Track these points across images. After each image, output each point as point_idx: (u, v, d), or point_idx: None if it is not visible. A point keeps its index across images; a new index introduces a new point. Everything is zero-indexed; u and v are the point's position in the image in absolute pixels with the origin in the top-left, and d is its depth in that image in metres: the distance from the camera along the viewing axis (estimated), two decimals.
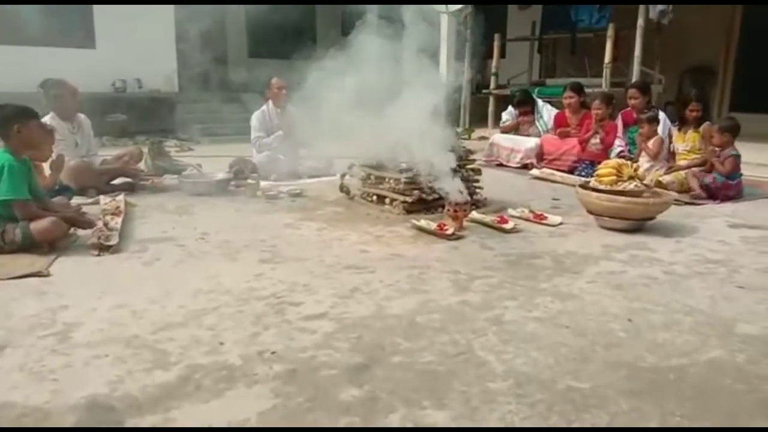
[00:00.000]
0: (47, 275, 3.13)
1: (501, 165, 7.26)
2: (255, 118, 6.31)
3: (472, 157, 5.05)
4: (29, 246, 3.44)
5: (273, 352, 2.27)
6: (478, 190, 4.98)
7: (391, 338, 2.41)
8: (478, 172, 5.04)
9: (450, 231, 3.94)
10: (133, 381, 2.05)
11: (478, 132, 10.46)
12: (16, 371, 2.12)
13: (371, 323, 2.56)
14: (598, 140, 6.49)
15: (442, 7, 11.14)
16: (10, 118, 3.54)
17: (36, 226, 3.45)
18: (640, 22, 8.84)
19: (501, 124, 7.77)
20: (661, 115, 6.19)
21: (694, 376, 2.16)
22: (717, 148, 5.34)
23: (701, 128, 5.66)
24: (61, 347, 2.30)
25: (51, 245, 3.51)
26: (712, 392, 2.05)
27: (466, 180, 4.83)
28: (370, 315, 2.65)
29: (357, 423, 1.83)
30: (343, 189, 5.17)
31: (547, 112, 7.43)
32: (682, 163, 5.75)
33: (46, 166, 4.48)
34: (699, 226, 4.36)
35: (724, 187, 5.22)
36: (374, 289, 2.97)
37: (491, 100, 11.32)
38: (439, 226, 4.01)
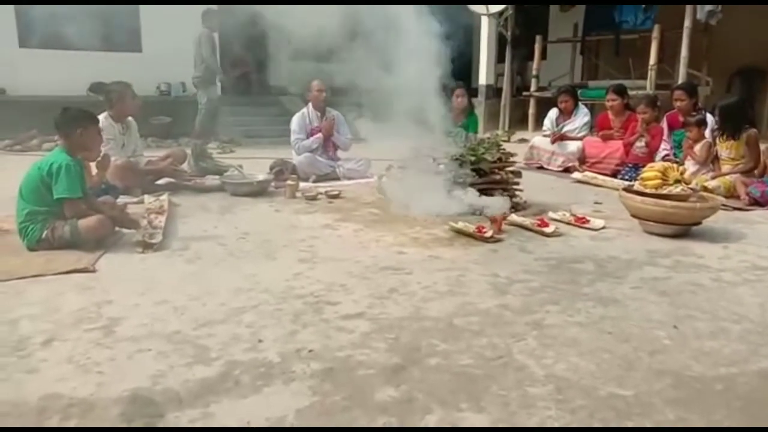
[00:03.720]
0: (93, 271, 3.22)
1: (542, 168, 7.16)
2: (294, 121, 6.38)
3: (512, 159, 5.00)
4: (77, 243, 3.54)
5: (311, 351, 2.28)
6: (517, 193, 4.92)
7: (428, 340, 2.39)
8: (518, 174, 4.98)
9: (488, 233, 3.90)
10: (175, 375, 2.09)
11: (519, 134, 10.34)
12: (64, 363, 2.18)
13: (408, 324, 2.55)
14: (643, 144, 6.34)
15: (482, 9, 11.06)
16: (76, 121, 3.67)
17: (84, 223, 3.55)
18: (687, 23, 8.63)
19: (543, 130, 7.63)
20: (709, 117, 6.00)
21: (744, 386, 2.08)
22: None
23: (745, 135, 5.43)
24: (106, 341, 2.36)
25: (97, 242, 3.61)
26: (763, 403, 1.97)
27: (504, 183, 4.80)
28: (408, 316, 2.64)
29: (393, 423, 1.82)
30: (381, 191, 5.17)
31: (582, 117, 7.25)
32: (725, 168, 5.57)
33: (92, 165, 4.61)
34: (747, 231, 4.21)
35: None
36: (411, 290, 2.96)
37: (532, 102, 11.21)
38: (477, 228, 3.97)
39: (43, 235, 3.51)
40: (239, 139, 9.79)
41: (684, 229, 4.01)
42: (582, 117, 7.22)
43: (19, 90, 9.18)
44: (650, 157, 6.20)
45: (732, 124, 5.46)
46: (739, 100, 5.75)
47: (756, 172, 5.37)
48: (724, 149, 5.58)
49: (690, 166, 5.65)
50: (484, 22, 11.60)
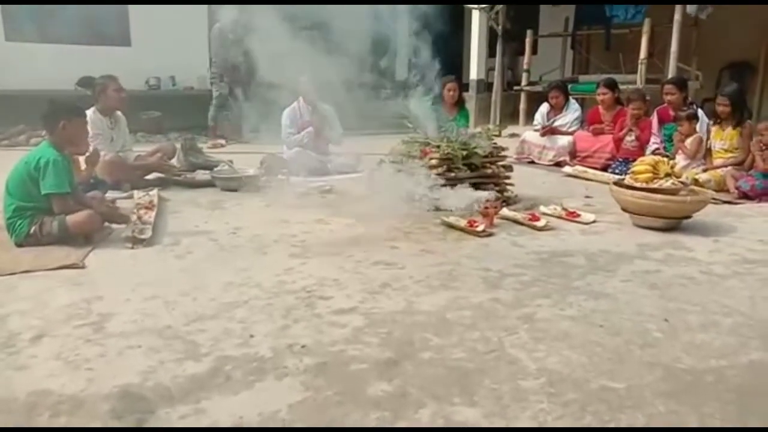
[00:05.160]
0: (82, 267, 3.19)
1: (532, 162, 7.17)
2: (286, 115, 6.34)
3: (503, 153, 5.00)
4: (65, 238, 3.50)
5: (303, 346, 2.27)
6: (509, 187, 4.92)
7: (421, 334, 2.39)
8: (509, 169, 4.98)
9: (480, 228, 3.90)
10: (165, 371, 2.07)
11: (510, 129, 10.34)
12: (53, 360, 2.16)
13: (401, 319, 2.54)
14: (633, 138, 6.37)
15: (473, 4, 11.05)
16: (58, 114, 3.61)
17: (72, 218, 3.52)
18: (677, 17, 8.65)
19: (534, 125, 7.63)
20: (699, 112, 6.04)
21: (734, 378, 2.09)
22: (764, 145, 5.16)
23: (742, 127, 5.48)
24: (96, 337, 2.34)
25: (86, 238, 3.57)
26: (753, 395, 1.98)
27: (495, 177, 4.81)
28: (400, 310, 2.63)
29: (387, 417, 1.82)
30: (372, 185, 5.15)
31: (572, 112, 7.26)
32: (717, 161, 5.60)
33: (81, 160, 4.57)
34: (737, 225, 4.24)
35: (764, 193, 5.05)
36: (404, 284, 2.96)
37: (523, 97, 11.22)
38: (469, 222, 3.97)
39: (31, 231, 3.47)
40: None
41: (674, 222, 4.03)
42: (573, 112, 7.23)
43: (6, 84, 9.06)
44: (641, 150, 6.23)
45: (740, 112, 5.49)
46: (741, 89, 5.79)
47: (745, 165, 5.40)
48: (719, 140, 5.59)
49: (681, 160, 5.67)
50: (475, 16, 11.59)
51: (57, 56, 9.16)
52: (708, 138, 5.81)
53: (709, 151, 5.78)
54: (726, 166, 5.46)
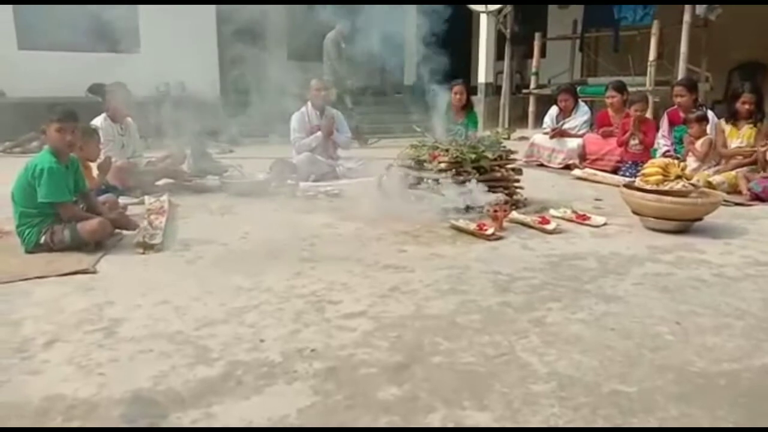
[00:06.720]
0: (94, 272, 3.22)
1: (542, 165, 7.15)
2: (294, 120, 6.37)
3: (512, 156, 4.99)
4: (77, 245, 3.52)
5: (313, 350, 2.27)
6: (518, 190, 4.91)
7: (430, 338, 2.39)
8: (518, 172, 4.97)
9: (490, 231, 3.89)
10: (177, 376, 2.08)
11: (519, 132, 10.33)
12: (66, 365, 2.18)
13: (410, 323, 2.54)
14: (637, 141, 6.32)
15: (481, 7, 11.06)
16: (46, 120, 3.60)
17: (84, 226, 3.53)
18: (687, 18, 8.63)
19: (543, 128, 7.61)
20: (710, 114, 5.99)
21: (747, 381, 2.07)
22: None
23: (762, 125, 5.40)
24: (108, 342, 2.36)
25: (97, 244, 3.59)
26: (766, 398, 1.97)
27: (505, 180, 4.80)
28: (410, 314, 2.63)
29: (397, 422, 1.82)
30: (381, 189, 5.15)
31: (582, 115, 7.24)
32: (731, 162, 5.54)
33: (94, 167, 4.61)
34: (749, 227, 4.20)
35: None
36: (413, 288, 2.95)
37: (531, 99, 11.20)
38: (478, 226, 3.97)
39: (42, 240, 3.49)
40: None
41: (685, 225, 4.00)
42: (582, 115, 7.21)
43: (18, 92, 9.16)
44: (647, 152, 6.19)
45: (761, 110, 5.45)
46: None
47: (759, 165, 5.33)
48: (735, 139, 5.51)
49: (691, 163, 5.64)
50: (483, 19, 11.59)
51: (68, 63, 9.26)
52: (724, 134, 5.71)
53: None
54: (741, 166, 5.40)
